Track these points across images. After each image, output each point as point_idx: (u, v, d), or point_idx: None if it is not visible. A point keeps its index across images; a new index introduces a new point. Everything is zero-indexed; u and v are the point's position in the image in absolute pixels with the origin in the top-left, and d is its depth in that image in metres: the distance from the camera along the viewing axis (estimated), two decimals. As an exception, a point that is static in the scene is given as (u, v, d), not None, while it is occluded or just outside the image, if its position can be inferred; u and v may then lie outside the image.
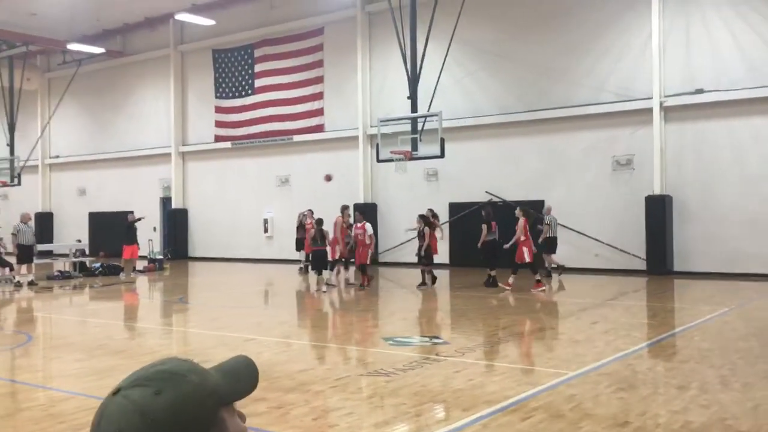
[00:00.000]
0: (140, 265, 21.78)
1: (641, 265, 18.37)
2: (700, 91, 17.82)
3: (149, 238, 24.34)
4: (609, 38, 19.13)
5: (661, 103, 18.18)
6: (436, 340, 9.44)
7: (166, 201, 28.47)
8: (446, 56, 18.15)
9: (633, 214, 18.52)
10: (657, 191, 18.21)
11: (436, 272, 16.49)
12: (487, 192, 20.56)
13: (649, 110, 18.32)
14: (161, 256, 23.50)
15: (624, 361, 7.94)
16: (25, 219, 18.60)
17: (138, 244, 20.35)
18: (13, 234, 18.28)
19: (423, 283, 15.94)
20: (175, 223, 27.67)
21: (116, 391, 1.01)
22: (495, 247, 16.16)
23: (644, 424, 5.59)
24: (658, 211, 18.05)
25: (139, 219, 20.77)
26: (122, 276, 20.01)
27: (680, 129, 18.21)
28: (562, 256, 19.87)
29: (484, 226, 16.08)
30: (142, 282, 19.52)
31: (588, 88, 19.33)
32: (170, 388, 1.00)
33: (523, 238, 15.33)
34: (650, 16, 18.31)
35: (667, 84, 18.25)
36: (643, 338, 9.85)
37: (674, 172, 18.24)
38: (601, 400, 6.25)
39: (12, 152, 27.70)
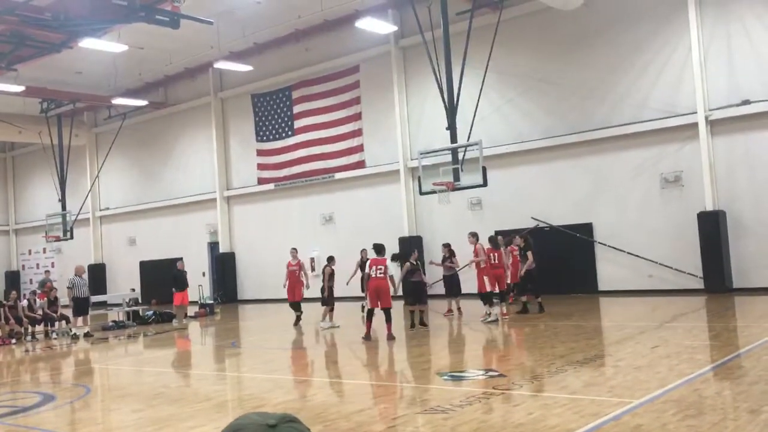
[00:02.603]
0: (191, 310, 22.01)
1: (698, 284, 17.85)
2: (746, 102, 17.41)
3: (199, 283, 24.62)
4: (648, 54, 18.88)
5: (706, 117, 17.81)
6: (491, 373, 9.24)
7: (213, 246, 28.84)
8: (483, 84, 18.14)
9: (686, 232, 18.06)
10: (709, 207, 17.74)
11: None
12: (533, 218, 20.32)
13: (695, 125, 17.95)
14: (212, 301, 23.74)
15: (690, 386, 7.64)
16: (79, 272, 19.01)
17: (188, 290, 20.64)
18: (68, 287, 18.68)
19: (412, 325, 14.57)
20: (224, 267, 27.99)
21: (274, 425, 1.22)
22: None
23: (718, 453, 5.33)
24: (712, 228, 17.57)
25: (184, 274, 20.83)
26: (175, 323, 20.25)
27: (728, 142, 17.78)
28: (614, 278, 19.62)
29: (530, 254, 15.97)
30: (194, 328, 19.70)
31: (631, 106, 19.06)
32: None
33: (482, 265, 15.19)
34: (688, 28, 18.05)
35: (712, 97, 17.89)
36: (708, 361, 9.48)
37: (726, 187, 17.77)
38: (670, 429, 5.99)
39: (64, 207, 28.49)
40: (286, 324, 17.14)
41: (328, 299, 16.23)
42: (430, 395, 8.38)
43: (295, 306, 17.35)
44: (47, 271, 30.25)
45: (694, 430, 5.94)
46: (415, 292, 15.36)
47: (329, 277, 16.26)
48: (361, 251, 17.65)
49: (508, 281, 16.15)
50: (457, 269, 16.50)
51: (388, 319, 13.30)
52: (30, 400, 9.78)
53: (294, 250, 18.11)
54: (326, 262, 16.62)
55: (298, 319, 17.18)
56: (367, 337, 13.26)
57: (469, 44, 17.37)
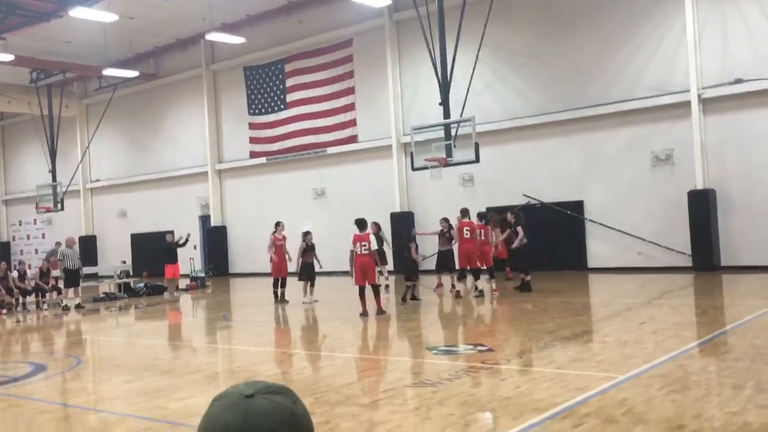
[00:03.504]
0: (183, 283, 22.04)
1: (687, 262, 18.00)
2: (739, 81, 17.42)
3: (190, 256, 24.62)
4: (643, 32, 18.83)
5: (699, 96, 17.82)
6: (480, 348, 9.34)
7: (204, 219, 28.81)
8: (476, 61, 18.05)
9: (676, 210, 18.16)
10: (700, 185, 17.83)
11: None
12: (524, 195, 20.36)
13: (687, 103, 17.97)
14: (203, 274, 23.76)
15: (675, 362, 7.75)
16: (69, 243, 18.98)
17: (179, 263, 20.63)
18: (59, 259, 18.65)
19: (404, 299, 14.72)
20: (215, 240, 27.99)
21: (251, 395, 1.13)
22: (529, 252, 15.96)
23: (700, 426, 5.43)
24: (702, 206, 17.67)
25: (186, 241, 20.79)
26: (166, 295, 20.28)
27: (720, 121, 17.82)
28: (604, 255, 19.73)
29: (520, 229, 15.87)
30: (185, 300, 19.75)
31: (624, 83, 19.04)
32: (299, 401, 1.17)
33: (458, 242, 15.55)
34: (684, 6, 17.98)
35: (705, 75, 17.89)
36: (694, 337, 9.61)
37: (716, 166, 17.84)
38: (654, 404, 6.09)
39: (54, 178, 28.33)
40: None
41: (302, 274, 16.14)
42: (420, 369, 8.48)
43: (283, 281, 16.90)
44: (58, 243, 29.79)
45: (679, 404, 6.05)
46: (414, 266, 15.49)
47: (302, 251, 16.22)
48: (372, 224, 17.21)
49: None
50: (454, 243, 16.48)
51: (377, 295, 13.33)
52: (21, 370, 9.83)
53: (281, 224, 17.45)
54: (302, 238, 16.52)
55: (283, 295, 16.81)
56: (365, 313, 13.12)
57: (464, 19, 17.21)
